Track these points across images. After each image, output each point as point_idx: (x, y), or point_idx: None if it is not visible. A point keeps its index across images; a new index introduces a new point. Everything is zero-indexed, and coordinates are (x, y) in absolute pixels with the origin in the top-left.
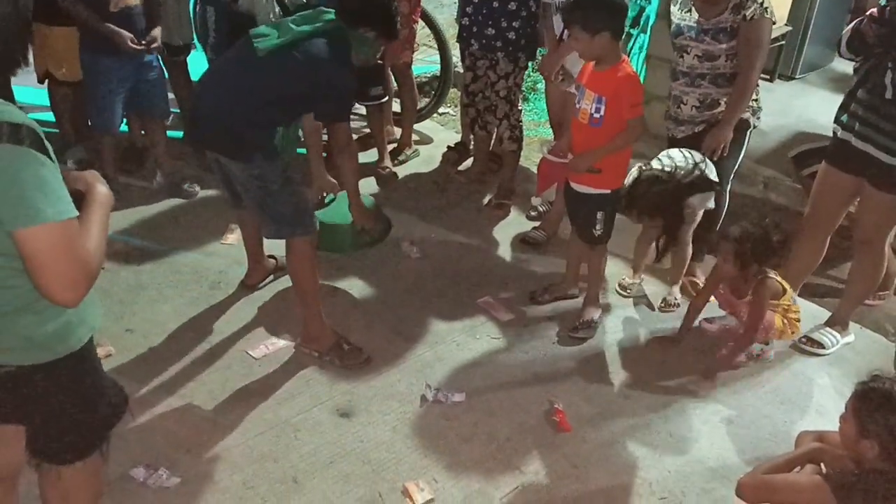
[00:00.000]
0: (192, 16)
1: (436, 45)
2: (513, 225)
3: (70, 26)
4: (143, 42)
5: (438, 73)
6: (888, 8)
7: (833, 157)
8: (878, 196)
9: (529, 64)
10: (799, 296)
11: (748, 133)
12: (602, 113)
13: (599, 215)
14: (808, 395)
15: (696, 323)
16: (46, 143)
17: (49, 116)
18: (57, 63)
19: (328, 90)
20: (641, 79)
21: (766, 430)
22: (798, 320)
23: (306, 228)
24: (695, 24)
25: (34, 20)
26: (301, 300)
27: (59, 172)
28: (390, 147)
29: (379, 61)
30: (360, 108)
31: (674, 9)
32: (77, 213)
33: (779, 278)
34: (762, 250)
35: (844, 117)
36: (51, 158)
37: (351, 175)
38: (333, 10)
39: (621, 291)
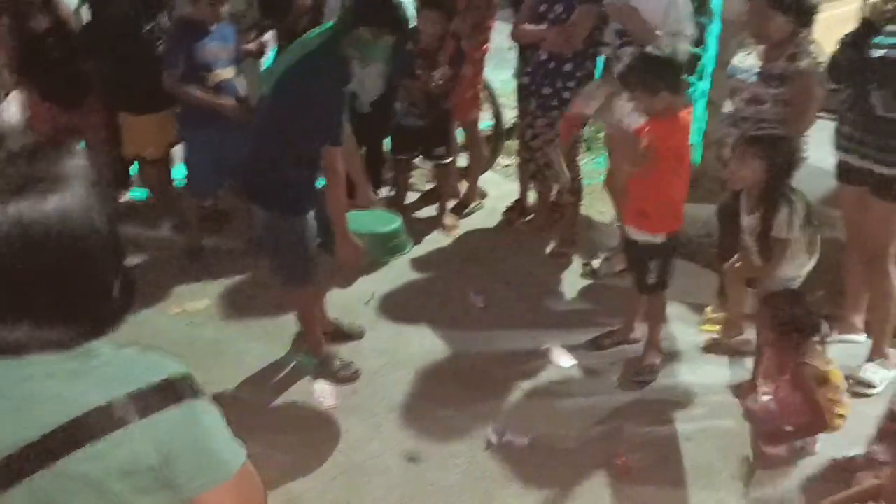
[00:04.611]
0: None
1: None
2: (574, 273)
3: (155, 112)
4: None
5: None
6: (852, 33)
7: (840, 176)
8: (879, 205)
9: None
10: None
11: None
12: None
13: (652, 265)
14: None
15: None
16: None
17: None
18: (144, 146)
19: (308, 109)
20: (704, 123)
21: (829, 471)
22: (843, 416)
23: (304, 284)
24: (749, 68)
25: (120, 110)
26: (301, 325)
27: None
28: (456, 202)
29: (445, 121)
30: (426, 164)
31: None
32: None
33: (827, 368)
34: (801, 321)
35: (842, 141)
36: None
37: (335, 202)
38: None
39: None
